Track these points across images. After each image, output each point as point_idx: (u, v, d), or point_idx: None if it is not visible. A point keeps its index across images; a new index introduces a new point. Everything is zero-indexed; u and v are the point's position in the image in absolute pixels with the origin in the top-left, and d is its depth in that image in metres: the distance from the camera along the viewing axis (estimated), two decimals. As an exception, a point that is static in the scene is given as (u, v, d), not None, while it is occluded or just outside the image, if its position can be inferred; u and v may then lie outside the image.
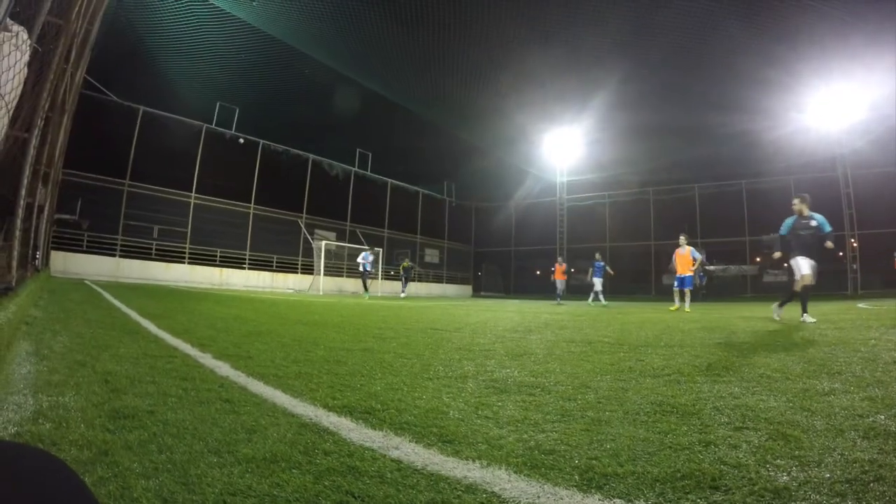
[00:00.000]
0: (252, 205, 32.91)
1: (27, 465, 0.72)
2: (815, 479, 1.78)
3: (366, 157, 39.71)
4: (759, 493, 1.68)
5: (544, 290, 41.08)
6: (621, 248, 42.60)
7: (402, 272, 34.69)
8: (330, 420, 2.47)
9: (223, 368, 3.74)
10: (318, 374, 3.69)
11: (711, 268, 39.77)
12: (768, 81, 27.34)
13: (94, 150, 24.93)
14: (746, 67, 26.16)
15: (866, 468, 1.88)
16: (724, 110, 29.61)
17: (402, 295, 33.11)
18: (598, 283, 26.15)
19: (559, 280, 27.83)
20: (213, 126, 30.82)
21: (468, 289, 48.01)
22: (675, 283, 21.36)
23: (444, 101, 33.10)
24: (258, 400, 2.83)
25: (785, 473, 1.84)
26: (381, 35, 25.20)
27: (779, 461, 1.97)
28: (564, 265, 27.30)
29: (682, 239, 21.44)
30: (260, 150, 33.75)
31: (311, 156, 36.79)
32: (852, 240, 33.71)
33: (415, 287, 41.62)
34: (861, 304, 18.75)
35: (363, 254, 27.78)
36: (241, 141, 32.46)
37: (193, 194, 29.68)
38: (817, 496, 1.65)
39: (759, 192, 37.58)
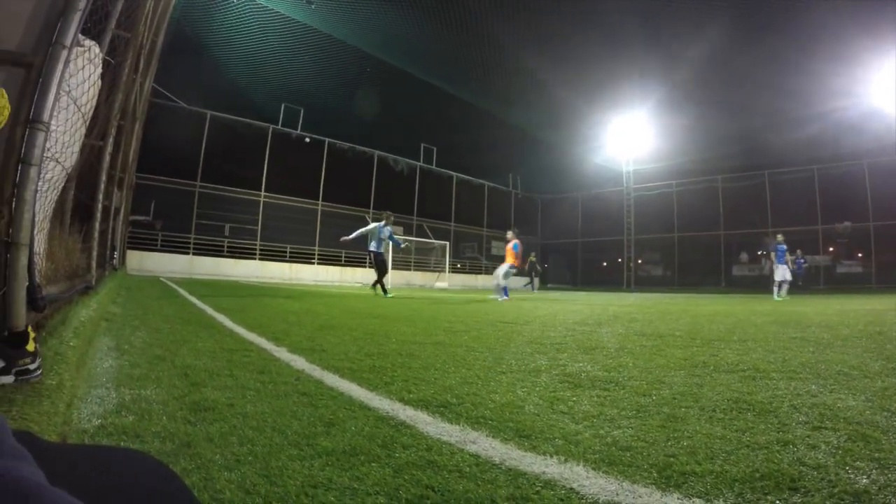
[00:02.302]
0: (320, 201, 33.91)
1: (132, 471, 0.74)
2: (895, 483, 1.72)
3: (430, 151, 40.19)
4: (838, 496, 1.63)
5: (612, 281, 40.70)
6: (690, 239, 41.76)
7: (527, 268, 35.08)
8: (406, 413, 2.49)
9: (298, 362, 3.79)
10: (391, 367, 3.72)
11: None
12: (839, 59, 26.29)
13: (165, 154, 26.04)
14: (815, 44, 25.22)
15: None
16: (793, 93, 28.75)
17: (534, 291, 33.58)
18: (782, 271, 22.15)
19: (510, 266, 19.71)
20: (280, 127, 31.56)
21: (535, 281, 47.91)
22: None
23: (508, 93, 33.05)
24: (334, 393, 2.86)
25: (865, 476, 1.78)
26: (443, 29, 25.23)
27: (858, 463, 1.90)
28: (521, 247, 20.05)
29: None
30: (326, 148, 34.59)
31: (377, 152, 37.42)
32: None
33: (482, 280, 41.68)
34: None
35: (377, 225, 17.56)
36: (308, 140, 33.35)
37: (263, 193, 30.66)
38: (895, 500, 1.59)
39: (832, 178, 36.15)
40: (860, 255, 35.99)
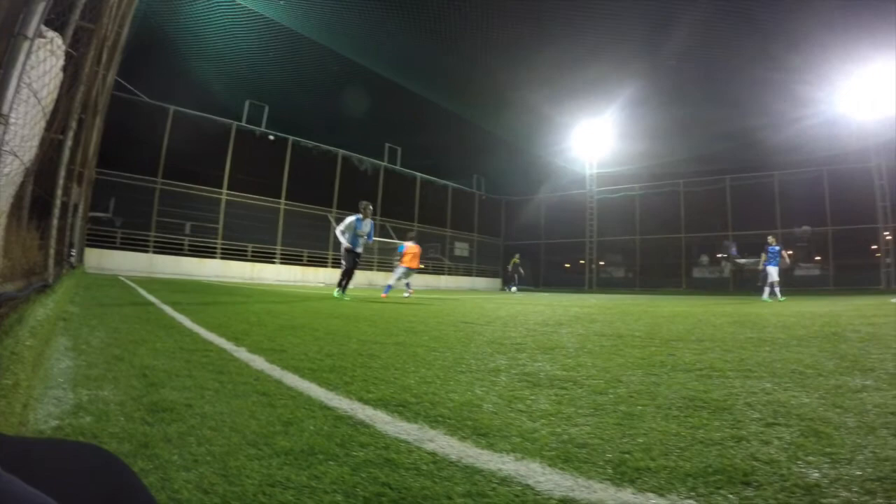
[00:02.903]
0: (283, 200, 33.54)
1: (85, 461, 0.75)
2: (846, 477, 1.78)
3: (395, 151, 40.17)
4: (790, 490, 1.68)
5: (575, 283, 41.08)
6: (651, 241, 42.47)
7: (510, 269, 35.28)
8: (365, 413, 2.50)
9: (258, 362, 3.79)
10: (351, 367, 3.73)
11: (742, 261, 39.45)
12: (800, 69, 27.06)
13: (126, 149, 25.52)
14: (777, 54, 25.88)
15: None
16: (755, 101, 29.42)
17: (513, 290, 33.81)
18: (773, 272, 22.32)
19: (407, 267, 20.34)
20: (244, 124, 31.23)
21: (498, 282, 48.07)
22: None
23: (472, 94, 33.19)
24: (294, 393, 2.87)
25: (816, 470, 1.84)
26: (408, 30, 25.24)
27: (810, 458, 1.97)
28: (418, 248, 20.81)
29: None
30: (290, 146, 34.26)
31: (341, 151, 37.16)
32: (886, 233, 33.33)
33: (444, 280, 41.78)
34: (895, 300, 18.48)
35: (354, 219, 15.65)
36: (272, 138, 33.03)
37: (225, 191, 30.24)
38: (848, 494, 1.65)
39: (791, 184, 37.31)
40: (818, 258, 37.09)
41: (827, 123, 31.85)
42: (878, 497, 1.62)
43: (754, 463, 1.91)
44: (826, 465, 1.88)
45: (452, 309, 11.54)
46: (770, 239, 22.81)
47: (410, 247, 20.20)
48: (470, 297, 19.10)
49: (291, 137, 34.39)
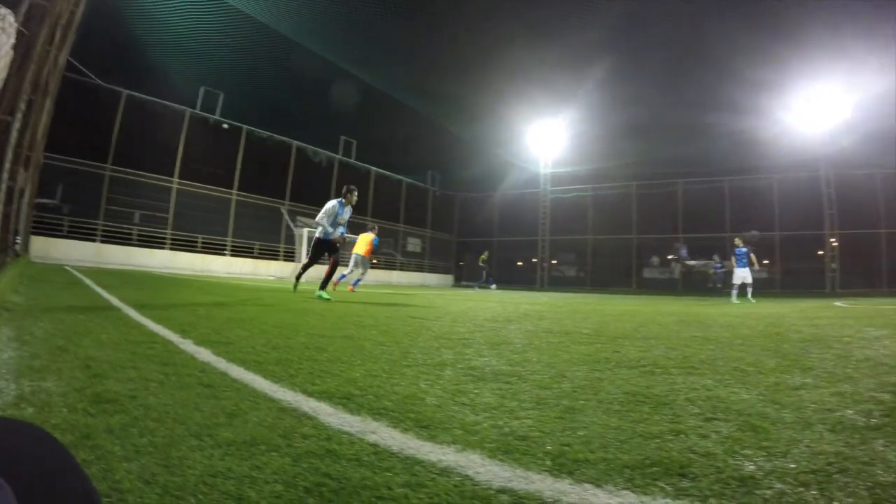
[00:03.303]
0: (235, 191, 32.87)
1: (18, 438, 0.76)
2: (781, 469, 1.84)
3: (350, 144, 39.77)
4: (725, 481, 1.74)
5: (526, 280, 41.32)
6: (603, 241, 43.00)
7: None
8: (309, 405, 2.52)
9: (204, 354, 3.77)
10: (298, 360, 3.74)
11: (692, 262, 40.28)
12: (754, 80, 27.82)
13: (76, 133, 24.78)
14: (732, 65, 26.52)
15: (831, 460, 1.94)
16: (709, 107, 30.02)
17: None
18: (742, 274, 22.05)
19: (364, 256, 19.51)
20: (197, 111, 30.58)
21: (449, 278, 48.08)
22: None
23: (429, 89, 33.14)
24: (238, 385, 2.87)
25: (752, 463, 1.91)
26: (366, 22, 25.11)
27: (746, 451, 2.04)
28: (371, 236, 19.92)
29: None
30: (244, 135, 33.63)
31: (296, 142, 36.73)
32: (832, 240, 34.57)
33: (396, 276, 41.70)
34: (839, 303, 19.01)
35: (336, 203, 13.75)
36: (226, 126, 32.33)
37: (176, 179, 29.53)
38: (781, 485, 1.71)
39: (742, 190, 38.53)
40: (766, 262, 38.16)
41: (779, 134, 33.25)
42: (811, 489, 1.69)
43: (691, 455, 1.97)
44: (762, 459, 1.95)
45: (402, 304, 11.58)
46: (737, 241, 23.07)
47: (364, 235, 19.89)
48: (421, 292, 19.10)
49: (246, 127, 33.79)
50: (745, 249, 22.35)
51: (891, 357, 4.64)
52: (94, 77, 26.38)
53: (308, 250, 14.15)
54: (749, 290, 21.95)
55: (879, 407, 2.76)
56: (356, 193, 13.90)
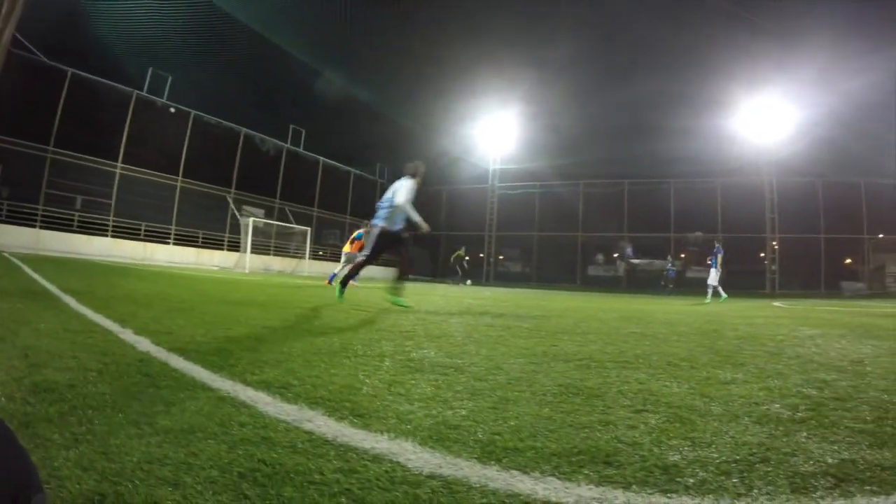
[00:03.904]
0: (180, 177, 31.90)
1: None
2: (704, 459, 1.95)
3: (299, 134, 39.17)
4: (649, 469, 1.83)
5: (472, 275, 41.34)
6: (549, 238, 43.37)
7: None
8: (247, 394, 2.56)
9: (143, 343, 3.76)
10: (238, 350, 3.76)
11: (636, 261, 40.98)
12: (703, 87, 28.62)
13: (16, 113, 23.69)
14: (682, 71, 27.16)
15: (754, 451, 2.05)
16: (657, 111, 30.71)
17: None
18: (714, 274, 22.49)
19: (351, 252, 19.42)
20: (144, 93, 29.56)
21: (396, 271, 47.81)
22: None
23: (380, 81, 33.04)
24: (177, 374, 2.89)
25: (676, 453, 2.00)
26: (319, 9, 24.89)
27: (672, 441, 2.14)
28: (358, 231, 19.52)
29: None
30: (191, 120, 32.59)
31: (244, 129, 35.87)
32: (773, 243, 35.81)
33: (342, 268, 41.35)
34: (777, 303, 19.44)
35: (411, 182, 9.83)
36: (173, 110, 31.25)
37: (120, 164, 28.50)
38: (704, 474, 1.81)
39: (687, 192, 39.43)
40: (709, 262, 39.00)
41: (726, 140, 34.82)
42: (732, 477, 1.79)
43: (618, 445, 2.07)
44: (687, 449, 2.06)
45: (347, 296, 11.54)
46: (716, 242, 23.63)
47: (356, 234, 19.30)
48: (368, 285, 19.00)
49: (193, 112, 32.76)
50: (721, 250, 22.90)
51: (821, 355, 4.84)
52: (38, 53, 25.32)
53: (373, 242, 9.92)
54: (719, 290, 22.41)
55: (805, 401, 2.89)
56: (423, 165, 10.40)
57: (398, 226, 9.70)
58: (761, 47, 25.70)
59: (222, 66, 30.34)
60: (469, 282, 36.61)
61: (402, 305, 9.17)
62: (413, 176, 9.88)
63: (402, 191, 9.39)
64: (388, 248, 10.06)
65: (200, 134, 33.41)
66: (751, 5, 23.02)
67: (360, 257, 17.22)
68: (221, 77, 31.30)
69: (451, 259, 36.97)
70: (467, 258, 37.16)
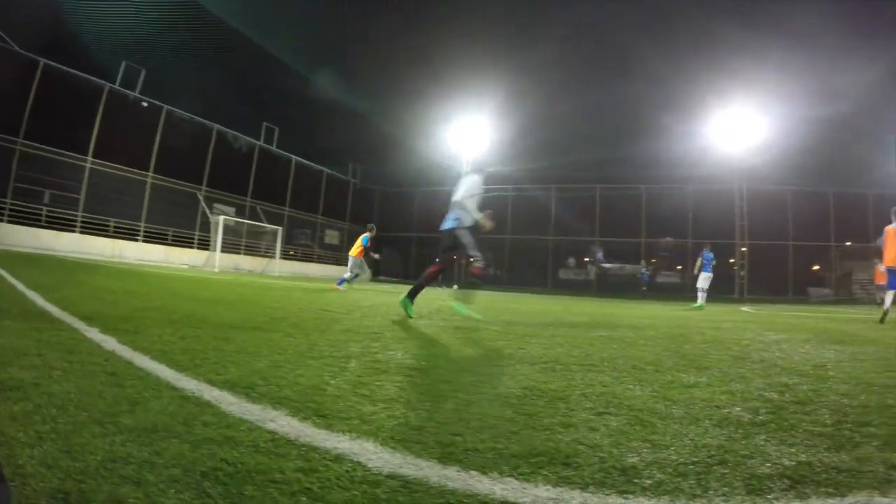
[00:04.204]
0: (150, 173, 31.25)
1: None
2: (662, 461, 1.99)
3: (272, 131, 38.76)
4: (607, 471, 1.87)
5: (444, 277, 41.42)
6: (521, 241, 43.59)
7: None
8: (212, 394, 2.57)
9: (110, 342, 3.74)
10: (204, 350, 3.76)
11: (608, 265, 41.32)
12: (677, 95, 29.17)
13: None
14: (656, 80, 27.60)
15: (713, 453, 2.10)
16: (631, 118, 31.18)
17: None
18: (704, 279, 21.95)
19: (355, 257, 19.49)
20: (117, 86, 28.99)
21: (367, 272, 47.60)
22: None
23: (355, 81, 32.97)
24: (143, 374, 2.89)
25: (635, 455, 2.05)
26: (296, 7, 24.80)
27: (632, 443, 2.18)
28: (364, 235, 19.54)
29: None
30: (163, 115, 31.92)
31: (217, 126, 35.30)
32: (743, 249, 36.54)
33: (313, 268, 41.07)
34: (745, 308, 19.70)
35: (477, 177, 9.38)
36: (145, 104, 30.65)
37: (90, 158, 27.89)
38: (661, 475, 1.85)
39: (658, 198, 39.99)
40: (679, 267, 39.83)
41: (698, 148, 35.66)
42: (689, 479, 1.84)
43: (579, 447, 2.11)
44: (646, 451, 2.10)
45: (317, 297, 11.53)
46: (705, 247, 23.24)
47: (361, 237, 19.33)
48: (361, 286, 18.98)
49: (166, 106, 32.02)
50: (711, 255, 22.65)
51: (784, 359, 4.94)
52: (10, 42, 24.88)
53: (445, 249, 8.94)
54: (701, 295, 22.20)
55: (766, 405, 2.96)
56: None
57: (467, 223, 8.71)
58: (734, 58, 26.25)
59: (196, 60, 30.01)
60: (456, 286, 36.50)
61: (472, 317, 8.26)
62: (477, 172, 9.44)
63: (463, 187, 8.85)
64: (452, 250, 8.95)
65: (172, 129, 32.73)
66: (725, 17, 23.42)
67: (355, 265, 17.37)
68: (195, 72, 30.92)
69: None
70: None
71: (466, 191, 8.71)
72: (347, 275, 18.56)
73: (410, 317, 7.87)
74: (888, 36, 24.59)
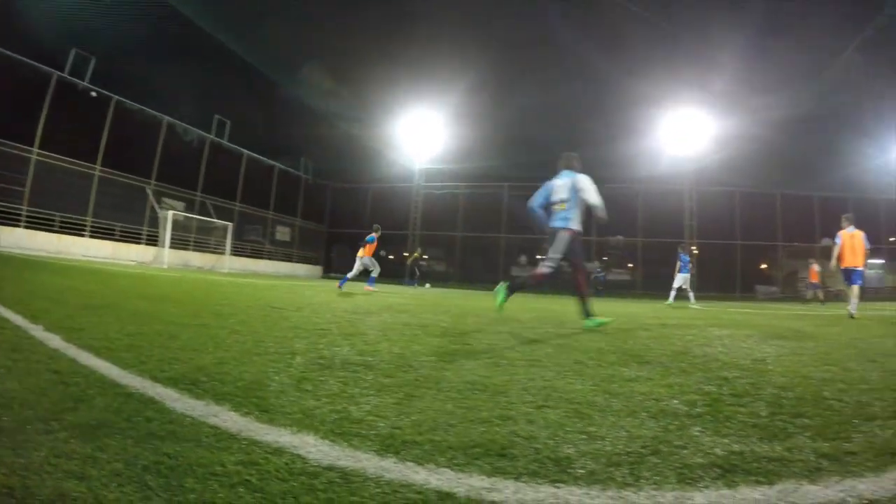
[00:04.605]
0: (98, 166, 30.07)
1: None
2: (597, 451, 2.07)
3: (224, 125, 37.95)
4: (541, 461, 1.95)
5: (395, 274, 41.29)
6: (472, 239, 43.73)
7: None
8: (156, 391, 2.60)
9: (54, 340, 3.73)
10: (149, 347, 3.77)
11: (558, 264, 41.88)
12: (628, 95, 29.66)
13: None
14: (608, 80, 28.01)
15: (647, 444, 2.18)
16: (582, 118, 31.58)
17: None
18: (683, 279, 22.26)
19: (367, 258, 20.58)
20: (65, 75, 27.85)
21: (319, 269, 47.28)
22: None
23: (307, 73, 32.67)
24: (87, 371, 2.90)
25: (571, 446, 2.12)
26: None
27: (569, 435, 2.26)
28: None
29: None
30: (113, 106, 30.77)
31: (167, 118, 34.27)
32: (693, 248, 37.44)
33: (264, 265, 40.51)
34: (693, 305, 20.02)
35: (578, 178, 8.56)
36: (94, 94, 29.68)
37: (36, 149, 26.90)
38: (595, 465, 1.93)
39: (609, 197, 40.33)
40: (630, 265, 40.63)
41: (649, 149, 36.56)
42: (622, 468, 1.92)
43: (515, 439, 2.19)
44: (581, 442, 2.19)
45: (265, 294, 11.44)
46: (680, 248, 23.99)
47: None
48: (287, 283, 18.85)
49: (116, 97, 30.78)
50: (688, 257, 23.23)
51: (726, 354, 5.08)
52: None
53: (567, 247, 8.31)
54: (691, 294, 22.58)
55: (704, 398, 3.07)
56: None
57: (574, 228, 8.33)
58: (686, 61, 26.77)
59: (148, 49, 29.16)
60: (428, 284, 36.41)
61: (602, 323, 7.84)
62: (572, 165, 8.90)
63: (592, 189, 8.29)
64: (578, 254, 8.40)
65: (122, 121, 31.42)
66: (674, 20, 23.88)
67: (358, 267, 18.72)
68: (146, 62, 30.04)
69: (409, 261, 36.39)
70: (425, 258, 36.57)
71: (596, 191, 8.33)
72: (350, 274, 19.23)
73: (499, 309, 8.36)
74: (835, 41, 25.36)
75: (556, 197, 8.45)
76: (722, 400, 3.03)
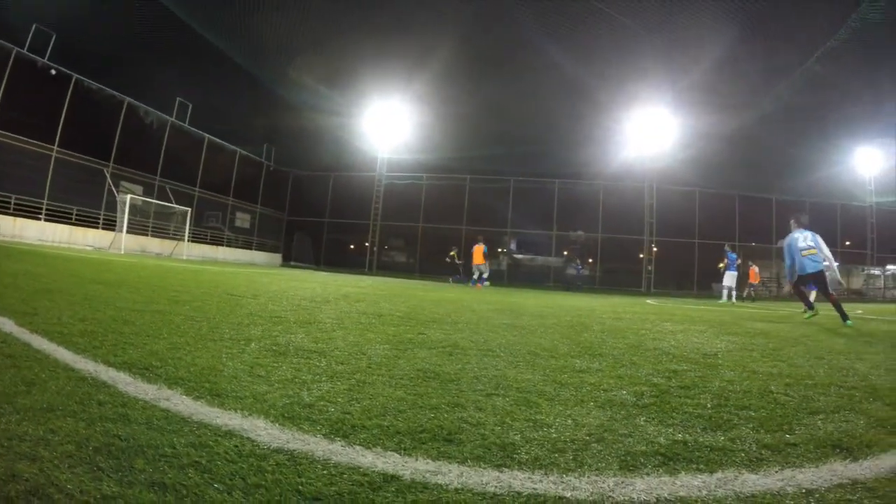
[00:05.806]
0: (55, 146, 28.96)
1: None
2: (542, 438, 2.15)
3: (185, 107, 37.07)
4: (487, 447, 2.02)
5: (356, 264, 41.10)
6: (433, 230, 43.77)
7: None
8: (109, 375, 2.62)
9: (7, 325, 3.71)
10: (103, 332, 3.76)
11: (519, 256, 42.05)
12: (592, 93, 30.02)
13: None
14: (570, 80, 28.24)
15: (592, 431, 2.26)
16: (548, 114, 31.83)
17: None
18: (730, 277, 22.69)
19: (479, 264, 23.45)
20: (25, 51, 26.91)
21: (278, 257, 46.85)
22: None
23: (273, 58, 32.35)
24: (40, 356, 2.90)
25: (517, 433, 2.20)
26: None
27: (516, 423, 2.33)
28: (481, 247, 23.46)
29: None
30: (72, 85, 29.68)
31: (128, 99, 33.18)
32: (654, 247, 37.87)
33: (223, 252, 39.90)
34: (650, 301, 20.29)
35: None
36: (53, 72, 28.83)
37: None
38: (539, 451, 2.01)
39: (571, 193, 41.11)
40: (590, 260, 41.12)
41: (610, 146, 37.45)
42: (566, 454, 2.00)
43: (463, 425, 2.26)
44: (528, 429, 2.27)
45: (223, 281, 11.36)
46: (727, 247, 24.17)
47: (477, 247, 23.56)
48: (246, 270, 18.77)
49: (76, 75, 29.66)
50: (735, 255, 23.59)
51: (677, 348, 5.22)
52: None
53: (819, 281, 11.01)
54: (733, 293, 22.74)
55: (652, 389, 3.17)
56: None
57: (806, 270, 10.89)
58: (649, 61, 27.11)
59: (111, 28, 28.55)
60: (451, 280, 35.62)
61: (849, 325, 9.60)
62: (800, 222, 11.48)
63: (825, 247, 11.03)
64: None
65: (81, 100, 30.29)
66: (639, 19, 24.14)
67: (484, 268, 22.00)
68: (109, 40, 29.33)
69: (448, 259, 35.76)
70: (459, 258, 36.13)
71: (828, 250, 11.07)
72: (476, 276, 22.21)
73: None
74: (799, 49, 25.91)
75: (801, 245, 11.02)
76: (669, 392, 3.13)
